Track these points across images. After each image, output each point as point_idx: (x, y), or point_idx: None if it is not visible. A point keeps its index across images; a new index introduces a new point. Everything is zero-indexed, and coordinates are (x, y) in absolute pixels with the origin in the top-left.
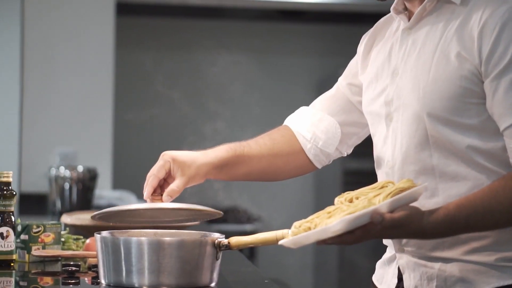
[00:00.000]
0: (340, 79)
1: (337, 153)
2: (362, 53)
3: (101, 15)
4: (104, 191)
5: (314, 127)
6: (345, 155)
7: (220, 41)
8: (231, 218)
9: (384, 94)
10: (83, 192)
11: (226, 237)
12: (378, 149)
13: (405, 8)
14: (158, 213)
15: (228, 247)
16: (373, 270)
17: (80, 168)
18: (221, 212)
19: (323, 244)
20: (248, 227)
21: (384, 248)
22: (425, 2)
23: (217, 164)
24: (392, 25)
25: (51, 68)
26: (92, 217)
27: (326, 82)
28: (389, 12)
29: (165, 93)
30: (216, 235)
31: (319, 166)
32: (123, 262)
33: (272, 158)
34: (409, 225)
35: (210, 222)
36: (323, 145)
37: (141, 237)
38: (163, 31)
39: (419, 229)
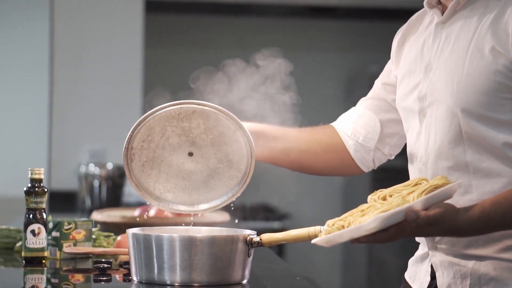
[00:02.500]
0: (376, 80)
1: (380, 155)
2: (395, 48)
3: (130, 13)
4: (133, 189)
5: (354, 123)
6: (392, 157)
7: (247, 38)
8: (259, 215)
9: (418, 90)
10: (112, 190)
11: (256, 234)
12: (411, 145)
13: (439, 2)
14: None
15: (260, 244)
16: (402, 267)
17: (110, 165)
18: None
19: (356, 242)
20: (276, 224)
21: (413, 245)
22: None
23: (253, 129)
24: (424, 20)
25: (80, 65)
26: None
27: (355, 79)
28: (420, 7)
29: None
30: (248, 231)
31: (363, 168)
32: (155, 259)
33: (311, 143)
34: (444, 222)
35: (239, 219)
36: (364, 140)
37: (173, 234)
38: (192, 29)
39: (454, 227)
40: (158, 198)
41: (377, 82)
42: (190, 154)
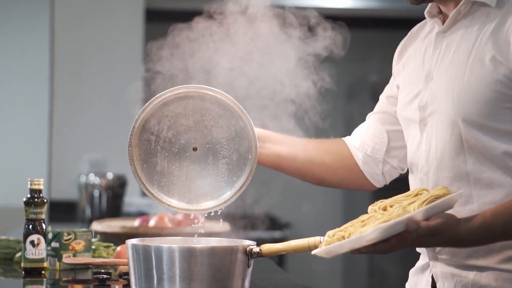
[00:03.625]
0: (381, 95)
1: (390, 168)
2: (396, 60)
3: (130, 23)
4: (133, 198)
5: (362, 135)
6: (403, 171)
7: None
8: (260, 225)
9: (418, 99)
10: (113, 199)
11: (257, 244)
12: (412, 155)
13: (439, 12)
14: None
15: (259, 254)
16: (403, 277)
17: (110, 175)
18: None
19: (357, 253)
20: (277, 234)
21: (414, 256)
22: (460, 5)
23: (260, 133)
24: (424, 29)
25: (80, 75)
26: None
27: (355, 88)
28: (421, 16)
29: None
30: (248, 242)
31: (373, 181)
32: (154, 270)
33: (319, 151)
34: (445, 233)
35: (239, 228)
36: (372, 152)
37: (172, 245)
38: None
39: (456, 237)
40: (161, 193)
41: (382, 96)
42: (195, 149)
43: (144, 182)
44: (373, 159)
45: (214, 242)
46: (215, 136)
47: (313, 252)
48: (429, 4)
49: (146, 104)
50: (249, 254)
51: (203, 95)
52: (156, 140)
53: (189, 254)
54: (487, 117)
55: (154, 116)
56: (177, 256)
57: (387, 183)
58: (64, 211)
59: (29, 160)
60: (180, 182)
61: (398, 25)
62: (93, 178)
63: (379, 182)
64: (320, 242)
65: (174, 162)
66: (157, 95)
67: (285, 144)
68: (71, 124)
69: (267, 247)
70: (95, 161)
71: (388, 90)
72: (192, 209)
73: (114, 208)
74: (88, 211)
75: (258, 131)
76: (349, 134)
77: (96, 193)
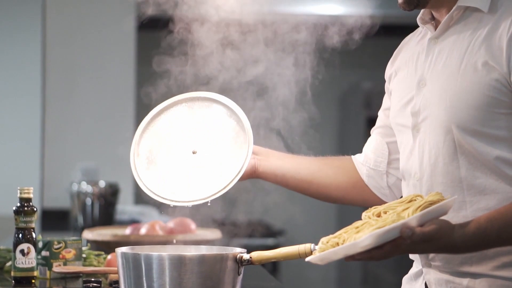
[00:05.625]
0: (379, 110)
1: (396, 180)
2: (389, 65)
3: (123, 31)
4: (126, 206)
5: (365, 150)
6: None
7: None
8: (254, 232)
9: (411, 105)
10: (105, 208)
11: (249, 252)
12: (404, 161)
13: (432, 18)
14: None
15: (250, 262)
16: (397, 284)
17: (102, 184)
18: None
19: (351, 260)
20: (270, 241)
21: (408, 262)
22: (452, 10)
23: (263, 150)
24: (417, 36)
25: (72, 84)
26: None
27: (348, 95)
28: (413, 23)
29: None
30: (238, 250)
31: (380, 195)
32: (144, 278)
33: (323, 165)
34: (440, 239)
35: (232, 236)
36: (375, 165)
37: (162, 253)
38: None
39: (450, 243)
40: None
41: (380, 111)
42: (194, 152)
43: (148, 187)
44: (377, 172)
45: (204, 250)
46: (213, 138)
47: (307, 259)
48: (422, 11)
49: (147, 116)
50: (239, 261)
51: (202, 99)
52: (156, 149)
53: (179, 262)
54: (480, 123)
55: (152, 127)
56: (167, 264)
57: (397, 196)
58: (56, 220)
59: (21, 168)
60: (180, 180)
61: (392, 32)
62: (85, 187)
63: (386, 196)
64: (311, 249)
65: (175, 165)
66: (157, 106)
67: (289, 158)
68: (63, 133)
69: (257, 255)
70: (87, 169)
71: (384, 103)
72: (189, 200)
73: (106, 216)
74: (80, 220)
75: (262, 149)
76: (342, 141)
77: (89, 201)
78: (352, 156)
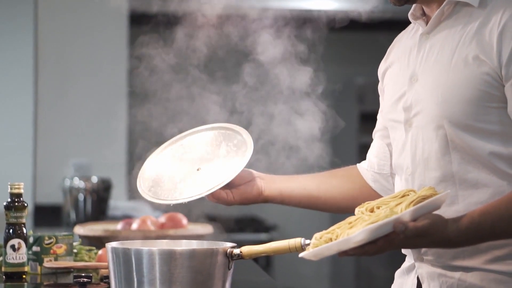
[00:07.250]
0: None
1: None
2: (382, 63)
3: (115, 27)
4: (118, 202)
5: (369, 156)
6: None
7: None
8: (247, 227)
9: (403, 100)
10: (98, 203)
11: (241, 246)
12: (396, 156)
13: (423, 14)
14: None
15: (240, 256)
16: (390, 279)
17: (95, 179)
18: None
19: (344, 255)
20: (263, 236)
21: (401, 257)
22: (443, 5)
23: (268, 175)
24: (409, 32)
25: (65, 79)
26: None
27: (342, 91)
28: (405, 18)
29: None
30: (228, 244)
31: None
32: (134, 273)
33: (327, 176)
34: (433, 233)
35: (225, 231)
36: (378, 168)
37: (152, 248)
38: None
39: (444, 238)
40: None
41: (378, 114)
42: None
43: (154, 200)
44: (382, 175)
45: (194, 244)
46: (216, 157)
47: (300, 255)
48: (413, 6)
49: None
50: (229, 256)
51: (208, 130)
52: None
53: (169, 257)
54: (472, 117)
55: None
56: (157, 259)
57: None
58: (49, 215)
59: (14, 164)
60: (180, 180)
61: (385, 27)
62: (78, 182)
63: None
64: (301, 244)
65: (175, 168)
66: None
67: (294, 178)
68: (56, 128)
69: (247, 249)
70: (79, 164)
71: (381, 105)
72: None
73: (99, 212)
74: (73, 215)
75: (267, 175)
76: (336, 138)
77: (81, 197)
78: (357, 164)
